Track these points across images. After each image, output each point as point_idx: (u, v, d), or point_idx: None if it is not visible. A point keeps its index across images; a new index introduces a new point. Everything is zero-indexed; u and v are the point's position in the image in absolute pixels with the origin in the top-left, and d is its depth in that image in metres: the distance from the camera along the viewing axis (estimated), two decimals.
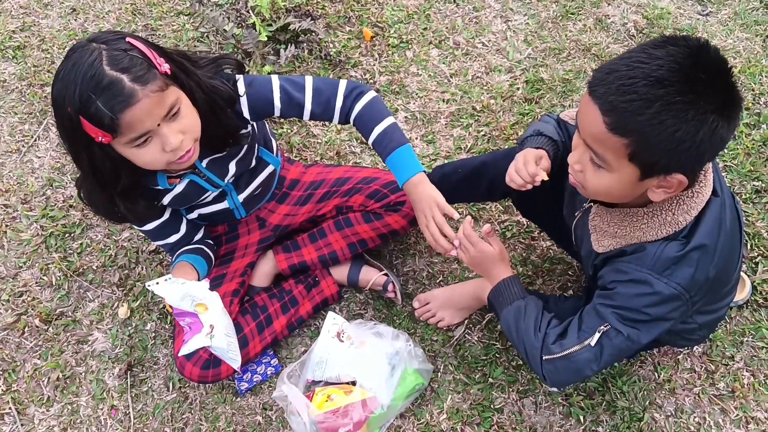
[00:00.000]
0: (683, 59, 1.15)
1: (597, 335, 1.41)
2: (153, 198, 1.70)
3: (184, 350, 1.65)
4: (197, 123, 1.50)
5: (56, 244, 2.22)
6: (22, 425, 1.94)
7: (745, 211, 2.14)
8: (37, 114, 2.50)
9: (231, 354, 1.73)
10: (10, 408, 1.96)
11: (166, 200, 1.72)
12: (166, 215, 1.79)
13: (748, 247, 2.08)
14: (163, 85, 1.37)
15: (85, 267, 2.18)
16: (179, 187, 1.69)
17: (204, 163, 1.68)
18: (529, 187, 1.54)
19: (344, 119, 1.74)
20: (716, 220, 1.34)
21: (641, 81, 1.16)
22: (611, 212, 1.42)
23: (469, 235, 1.66)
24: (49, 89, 2.52)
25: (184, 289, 1.62)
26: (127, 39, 1.38)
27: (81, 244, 2.22)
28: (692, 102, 1.14)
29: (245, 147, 1.76)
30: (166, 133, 1.41)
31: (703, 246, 1.32)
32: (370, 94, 1.72)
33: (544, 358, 1.48)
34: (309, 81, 1.70)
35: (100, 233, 2.24)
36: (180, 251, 1.87)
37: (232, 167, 1.75)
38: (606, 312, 1.41)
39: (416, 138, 2.38)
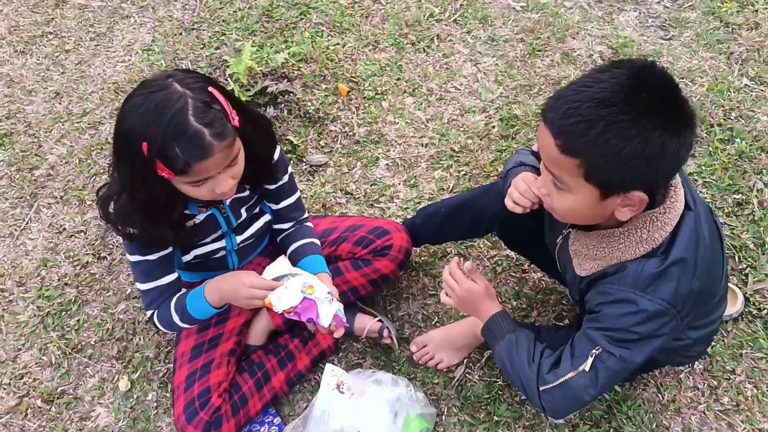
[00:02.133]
0: (626, 80, 1.20)
1: (590, 360, 1.41)
2: (178, 222, 1.69)
3: (326, 322, 1.65)
4: (243, 167, 1.57)
5: (53, 323, 2.23)
6: None
7: (729, 224, 2.16)
8: (27, 197, 2.54)
9: (343, 311, 1.73)
10: None
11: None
12: (170, 248, 1.75)
13: (737, 259, 2.10)
14: (234, 139, 1.45)
15: (83, 343, 2.19)
16: (200, 217, 1.72)
17: (228, 201, 1.73)
18: (536, 207, 1.57)
19: (280, 235, 1.98)
20: (692, 234, 1.36)
21: (586, 103, 1.20)
22: (589, 235, 1.45)
23: (454, 273, 1.68)
24: (38, 172, 2.61)
25: (295, 287, 1.64)
26: (209, 89, 1.44)
27: (78, 320, 2.23)
28: (634, 120, 1.17)
29: (255, 196, 1.83)
30: (222, 179, 1.49)
31: (682, 260, 1.34)
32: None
33: (540, 388, 1.48)
34: (298, 192, 1.93)
35: (96, 308, 2.25)
36: (193, 291, 1.78)
37: (243, 212, 1.80)
38: (596, 335, 1.42)
39: (399, 183, 2.42)
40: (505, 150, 2.43)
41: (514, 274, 2.18)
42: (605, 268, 1.42)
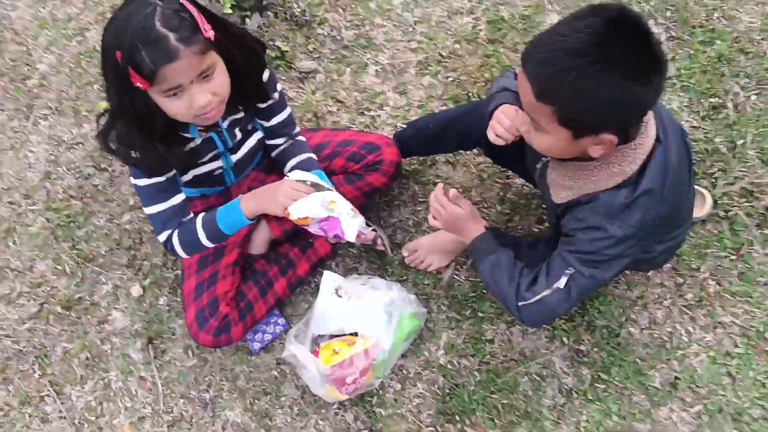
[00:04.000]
0: (600, 29, 1.26)
1: (564, 279, 1.57)
2: (178, 145, 1.76)
3: (351, 237, 1.74)
4: (227, 87, 1.61)
5: (63, 235, 2.36)
6: (62, 403, 2.14)
7: (703, 128, 2.26)
8: (23, 109, 2.58)
9: (364, 224, 1.82)
10: (48, 390, 2.16)
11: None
12: (174, 171, 1.81)
13: (708, 163, 2.21)
14: (205, 48, 1.48)
15: (94, 253, 2.33)
16: (198, 140, 1.78)
17: (225, 124, 1.80)
18: (517, 139, 1.65)
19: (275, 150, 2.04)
20: (661, 165, 1.46)
21: (561, 53, 1.28)
22: (565, 166, 1.55)
23: (439, 199, 1.79)
24: (30, 82, 2.64)
25: (315, 201, 1.71)
26: (181, 0, 1.48)
27: (86, 231, 2.36)
28: (605, 70, 1.25)
29: (249, 114, 1.88)
30: (195, 92, 1.52)
31: (650, 190, 1.45)
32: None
33: (519, 304, 1.64)
34: (288, 109, 1.97)
35: (102, 219, 2.37)
36: (223, 206, 1.86)
37: (238, 132, 1.87)
38: (569, 257, 1.56)
39: (388, 90, 2.47)
40: (492, 55, 2.47)
41: (498, 180, 2.29)
42: (579, 197, 1.54)
